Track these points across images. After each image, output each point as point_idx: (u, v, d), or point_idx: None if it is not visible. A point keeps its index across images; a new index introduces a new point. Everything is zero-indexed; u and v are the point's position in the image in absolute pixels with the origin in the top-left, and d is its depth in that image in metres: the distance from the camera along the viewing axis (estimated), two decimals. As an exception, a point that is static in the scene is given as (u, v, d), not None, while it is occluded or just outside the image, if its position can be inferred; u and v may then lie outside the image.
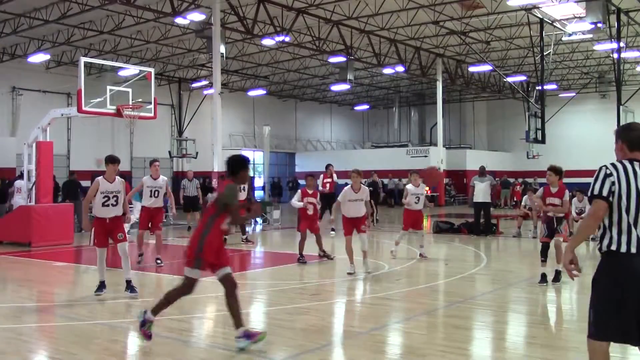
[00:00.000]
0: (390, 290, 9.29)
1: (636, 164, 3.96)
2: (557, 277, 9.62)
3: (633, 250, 3.81)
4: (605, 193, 3.88)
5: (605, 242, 3.90)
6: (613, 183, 3.87)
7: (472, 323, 7.31)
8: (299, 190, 12.14)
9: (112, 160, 8.63)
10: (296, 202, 11.88)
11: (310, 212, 11.72)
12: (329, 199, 15.69)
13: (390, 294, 8.94)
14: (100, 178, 8.59)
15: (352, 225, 10.59)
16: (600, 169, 4.00)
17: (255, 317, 7.97)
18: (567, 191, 9.72)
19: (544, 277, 9.54)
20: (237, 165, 6.02)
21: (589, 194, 3.96)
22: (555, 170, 9.65)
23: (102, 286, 8.71)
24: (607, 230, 3.91)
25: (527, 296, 9.05)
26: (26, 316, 7.97)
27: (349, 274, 10.28)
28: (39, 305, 8.85)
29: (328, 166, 17.50)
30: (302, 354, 5.90)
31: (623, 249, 3.83)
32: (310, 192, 11.94)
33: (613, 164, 3.97)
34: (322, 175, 17.10)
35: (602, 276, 3.93)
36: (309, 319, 7.39)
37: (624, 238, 3.83)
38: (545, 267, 9.56)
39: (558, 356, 5.90)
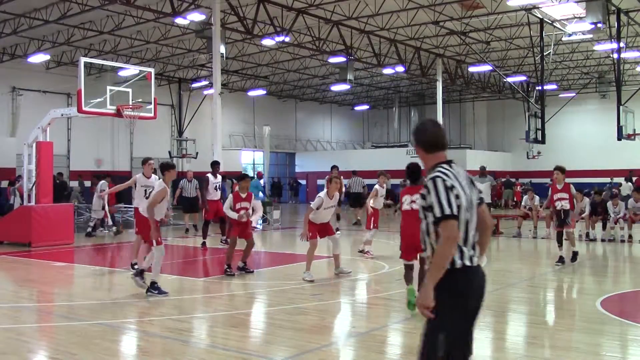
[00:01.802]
0: (390, 290, 9.29)
1: (454, 165, 3.59)
2: (574, 257, 11.67)
3: (476, 262, 3.52)
4: (454, 210, 3.38)
5: (457, 259, 3.42)
6: (457, 197, 3.43)
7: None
8: (231, 195, 10.67)
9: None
10: (230, 212, 10.44)
11: (244, 218, 10.44)
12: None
13: (390, 294, 8.94)
14: (161, 182, 8.91)
15: (322, 230, 10.16)
16: (437, 181, 3.45)
17: (256, 317, 7.98)
18: (571, 185, 11.76)
19: (561, 259, 11.55)
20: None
21: (437, 214, 3.38)
22: (562, 170, 11.71)
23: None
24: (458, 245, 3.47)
25: (527, 296, 9.05)
26: (26, 316, 7.97)
27: (309, 281, 9.69)
28: (39, 305, 8.85)
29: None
30: (302, 354, 5.90)
31: (472, 262, 3.49)
32: (243, 196, 10.56)
33: (446, 173, 3.48)
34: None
35: (455, 294, 3.42)
36: (309, 319, 7.39)
37: (469, 251, 3.49)
38: (562, 251, 11.58)
39: (558, 356, 5.90)
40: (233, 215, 10.41)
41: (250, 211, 10.58)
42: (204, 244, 14.36)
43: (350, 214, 22.43)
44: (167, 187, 8.76)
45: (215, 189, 14.27)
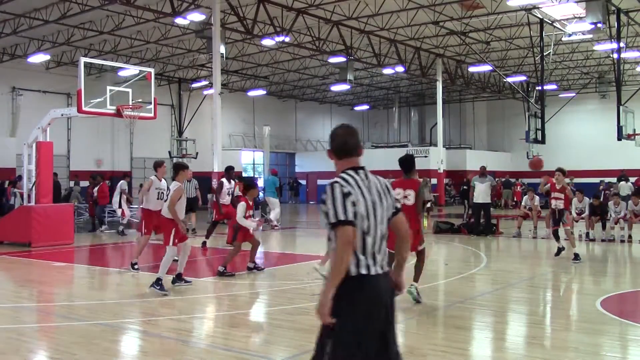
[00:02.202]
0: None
1: (361, 172, 3.54)
2: (576, 257, 11.80)
3: (379, 270, 3.46)
4: (351, 217, 3.35)
5: (352, 266, 3.39)
6: (354, 204, 3.39)
7: (472, 323, 7.31)
8: (244, 204, 10.35)
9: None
10: (246, 221, 10.28)
11: (259, 228, 10.29)
12: None
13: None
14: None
15: None
16: (334, 187, 3.42)
17: (256, 317, 7.98)
18: (569, 188, 12.54)
19: (559, 251, 12.38)
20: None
21: (332, 219, 3.34)
22: (563, 172, 12.45)
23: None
24: (353, 254, 3.40)
25: (527, 296, 9.05)
26: (26, 316, 7.98)
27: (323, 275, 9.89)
28: (39, 305, 8.85)
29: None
30: (302, 354, 5.90)
31: (373, 270, 3.43)
32: (251, 203, 10.58)
33: (346, 179, 3.46)
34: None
35: (353, 302, 3.38)
36: (309, 319, 7.39)
37: (369, 259, 3.43)
38: (559, 244, 12.38)
39: (558, 356, 5.90)
40: (250, 224, 10.41)
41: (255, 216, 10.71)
42: (204, 243, 14.36)
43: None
44: (182, 186, 9.21)
45: (228, 193, 14.34)
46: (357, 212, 3.40)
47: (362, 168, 3.58)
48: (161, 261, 9.03)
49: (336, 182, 3.46)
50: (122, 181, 18.85)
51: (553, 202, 12.23)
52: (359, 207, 3.41)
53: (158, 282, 8.79)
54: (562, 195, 12.13)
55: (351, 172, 3.52)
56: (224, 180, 14.43)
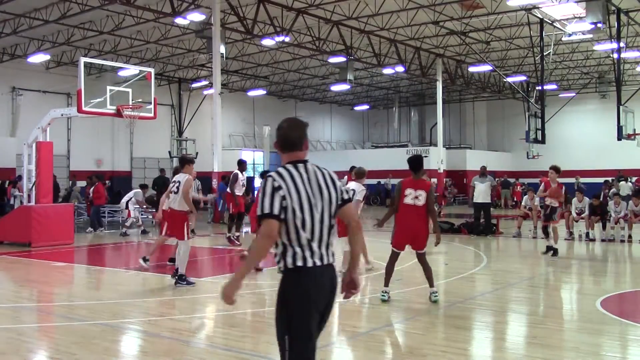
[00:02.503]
0: (390, 290, 9.28)
1: (301, 166, 3.59)
2: (554, 252, 12.55)
3: (318, 262, 3.50)
4: (277, 211, 3.42)
5: (289, 259, 3.49)
6: (283, 197, 3.45)
7: (472, 323, 7.31)
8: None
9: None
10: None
11: None
12: None
13: (390, 294, 8.93)
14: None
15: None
16: (267, 180, 3.51)
17: (256, 317, 7.97)
18: (563, 186, 12.84)
19: (548, 249, 12.72)
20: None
21: (258, 212, 3.46)
22: (557, 170, 12.68)
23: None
24: (287, 247, 3.50)
25: (527, 296, 9.05)
26: (26, 316, 7.98)
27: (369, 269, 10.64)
28: (39, 305, 8.86)
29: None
30: (302, 354, 5.89)
31: (309, 262, 3.48)
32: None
33: (280, 173, 3.53)
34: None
35: (294, 295, 3.50)
36: (309, 319, 7.38)
37: (307, 252, 3.49)
38: (549, 241, 12.73)
39: (558, 356, 5.90)
40: None
41: None
42: (229, 238, 14.96)
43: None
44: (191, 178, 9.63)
45: (242, 185, 14.87)
46: (288, 206, 3.45)
47: (304, 162, 3.62)
48: (178, 258, 9.37)
49: (270, 176, 3.53)
50: (139, 191, 18.93)
51: (547, 199, 12.79)
52: (290, 201, 3.46)
53: (182, 278, 9.23)
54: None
55: (289, 166, 3.58)
56: (238, 172, 14.81)
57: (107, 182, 29.08)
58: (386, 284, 8.17)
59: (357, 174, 10.97)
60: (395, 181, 35.60)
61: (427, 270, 8.12)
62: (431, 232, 8.24)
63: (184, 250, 9.38)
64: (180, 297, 8.86)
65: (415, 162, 8.00)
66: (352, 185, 10.90)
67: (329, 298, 3.60)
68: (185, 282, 9.25)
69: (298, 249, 3.49)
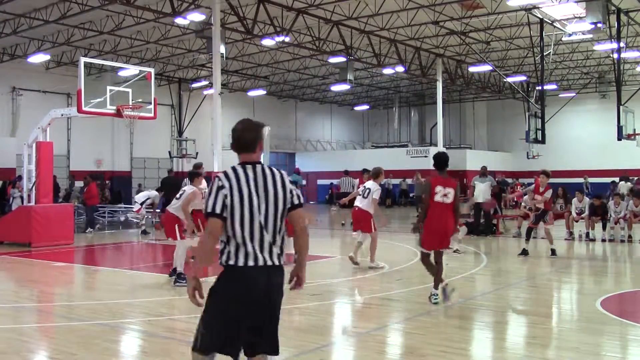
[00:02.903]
0: (390, 290, 9.29)
1: (249, 167, 3.70)
2: (553, 253, 12.67)
3: (251, 263, 3.61)
4: (219, 210, 3.58)
5: (224, 256, 3.64)
6: (226, 196, 3.59)
7: (472, 323, 7.31)
8: None
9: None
10: None
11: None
12: None
13: (390, 294, 8.94)
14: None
15: None
16: (214, 181, 3.69)
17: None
18: (550, 190, 12.89)
19: (524, 251, 12.85)
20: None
21: (204, 210, 3.64)
22: (547, 174, 12.81)
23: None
24: (226, 244, 3.65)
25: (527, 296, 9.05)
26: (26, 316, 7.98)
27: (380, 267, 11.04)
28: (39, 305, 8.86)
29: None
30: (302, 354, 5.90)
31: (241, 262, 3.60)
32: None
33: (226, 173, 3.69)
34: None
35: (219, 289, 3.67)
36: (309, 319, 7.39)
37: (241, 251, 3.61)
38: (527, 245, 12.97)
39: (558, 356, 5.90)
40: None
41: None
42: None
43: (338, 215, 22.42)
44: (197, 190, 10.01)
45: None
46: (228, 205, 3.59)
47: (255, 163, 3.73)
48: (176, 257, 9.72)
49: (217, 176, 3.70)
50: (157, 194, 19.00)
51: (534, 201, 13.06)
52: (230, 200, 3.59)
53: (181, 277, 9.39)
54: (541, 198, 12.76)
55: (237, 167, 3.70)
56: None
57: (107, 182, 29.13)
58: (436, 286, 7.91)
59: (375, 173, 11.63)
60: (395, 181, 35.69)
61: (439, 269, 7.97)
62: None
63: (182, 250, 9.69)
64: (180, 297, 8.85)
65: (442, 160, 7.92)
66: (369, 184, 11.62)
67: (262, 300, 3.63)
68: (184, 281, 9.28)
69: (233, 248, 3.61)
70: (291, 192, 3.73)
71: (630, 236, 15.68)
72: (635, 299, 9.09)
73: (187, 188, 10.05)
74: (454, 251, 12.80)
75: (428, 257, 8.01)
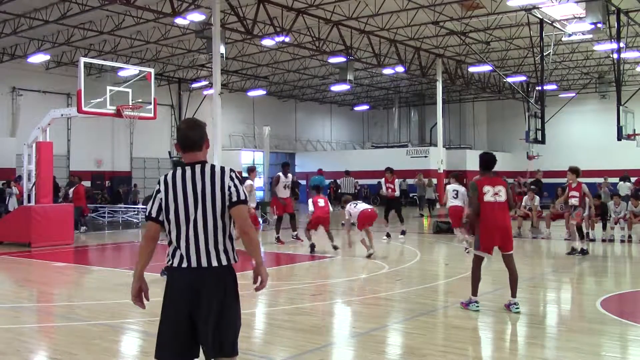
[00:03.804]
0: (390, 290, 9.29)
1: (188, 169, 3.65)
2: (581, 252, 12.78)
3: (182, 264, 3.60)
4: (154, 214, 3.65)
5: (168, 257, 3.68)
6: (161, 200, 3.64)
7: (472, 323, 7.30)
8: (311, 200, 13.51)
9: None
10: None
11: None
12: (392, 203, 16.68)
13: (390, 294, 8.94)
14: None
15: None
16: (158, 183, 3.73)
17: (256, 317, 7.97)
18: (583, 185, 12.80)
19: (583, 251, 12.89)
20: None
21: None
22: (572, 171, 12.60)
23: None
24: (169, 245, 3.67)
25: (527, 296, 9.04)
26: (26, 316, 7.98)
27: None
28: (39, 305, 8.85)
29: (389, 170, 16.86)
30: (302, 354, 5.90)
31: (175, 263, 3.62)
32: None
33: (165, 177, 3.69)
34: (383, 179, 17.03)
35: (164, 293, 3.67)
36: (309, 319, 7.39)
37: (176, 253, 3.62)
38: (584, 243, 13.10)
39: (558, 356, 5.90)
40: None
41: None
42: (277, 238, 15.49)
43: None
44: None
45: (285, 187, 15.53)
46: (164, 208, 3.63)
47: (196, 163, 3.67)
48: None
49: (158, 180, 3.72)
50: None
51: (570, 200, 12.88)
52: (164, 202, 3.63)
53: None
54: (577, 194, 12.67)
55: (178, 169, 3.68)
56: (280, 174, 15.63)
57: (107, 182, 29.15)
58: (474, 293, 7.65)
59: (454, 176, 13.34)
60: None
61: (513, 275, 7.61)
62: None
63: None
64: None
65: (490, 161, 7.79)
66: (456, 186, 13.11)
67: (192, 302, 3.57)
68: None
69: (171, 250, 3.65)
70: (229, 189, 3.62)
71: (630, 236, 15.68)
72: (635, 299, 9.08)
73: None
74: (466, 250, 12.95)
75: (481, 263, 7.71)
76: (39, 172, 15.36)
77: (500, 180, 7.84)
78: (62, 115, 16.33)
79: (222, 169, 3.70)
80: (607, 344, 6.37)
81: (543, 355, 5.92)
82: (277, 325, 7.05)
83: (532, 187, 17.82)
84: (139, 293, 3.70)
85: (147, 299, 3.74)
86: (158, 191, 3.67)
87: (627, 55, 25.55)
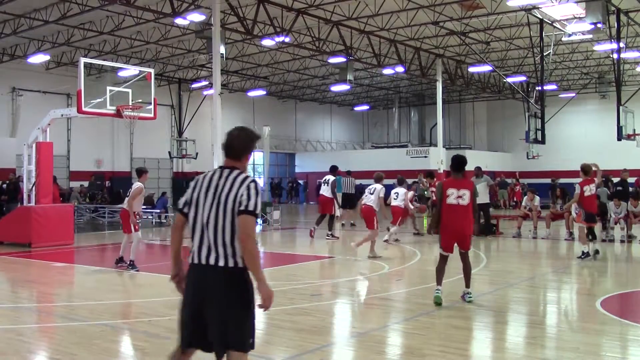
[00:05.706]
0: (390, 290, 9.29)
1: (218, 171, 3.90)
2: (590, 255, 12.16)
3: (194, 260, 3.82)
4: (181, 205, 3.92)
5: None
6: (188, 194, 3.90)
7: (472, 323, 7.31)
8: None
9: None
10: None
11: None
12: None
13: (390, 294, 8.94)
14: None
15: None
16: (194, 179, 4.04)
17: (256, 317, 7.97)
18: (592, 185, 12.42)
19: (596, 252, 12.44)
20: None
21: None
22: (582, 170, 12.30)
23: None
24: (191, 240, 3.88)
25: (527, 296, 9.05)
26: (26, 316, 7.98)
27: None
28: (39, 305, 8.85)
29: (432, 173, 17.84)
30: (302, 354, 5.90)
31: (189, 259, 3.85)
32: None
33: (201, 174, 3.96)
34: (421, 183, 17.77)
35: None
36: (309, 319, 7.39)
37: (194, 248, 3.82)
38: (595, 244, 12.52)
39: (558, 356, 5.90)
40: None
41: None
42: (331, 234, 16.53)
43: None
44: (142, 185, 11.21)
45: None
46: (188, 202, 3.88)
47: (228, 168, 3.88)
48: (130, 248, 11.06)
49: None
50: (164, 198, 19.45)
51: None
52: (190, 198, 3.88)
53: (132, 264, 10.92)
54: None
55: (210, 170, 3.96)
56: (331, 177, 16.91)
57: (107, 182, 29.14)
58: (439, 283, 8.01)
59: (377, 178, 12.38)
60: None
61: (467, 268, 8.14)
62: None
63: (134, 242, 11.02)
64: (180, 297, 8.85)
65: (458, 162, 7.94)
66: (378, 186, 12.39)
67: (199, 297, 3.80)
68: (134, 268, 10.85)
69: (190, 245, 3.86)
70: (241, 196, 3.70)
71: (630, 236, 15.68)
72: (635, 299, 9.09)
73: (135, 184, 11.23)
74: (385, 240, 14.31)
75: (445, 260, 8.05)
76: (39, 173, 15.35)
77: (467, 183, 7.97)
78: (62, 115, 16.32)
79: (245, 177, 3.82)
80: (607, 344, 6.37)
81: (543, 355, 5.92)
82: (277, 325, 7.05)
83: (619, 187, 17.13)
84: (174, 277, 4.00)
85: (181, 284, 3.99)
86: (189, 186, 3.92)
87: (627, 55, 25.55)
